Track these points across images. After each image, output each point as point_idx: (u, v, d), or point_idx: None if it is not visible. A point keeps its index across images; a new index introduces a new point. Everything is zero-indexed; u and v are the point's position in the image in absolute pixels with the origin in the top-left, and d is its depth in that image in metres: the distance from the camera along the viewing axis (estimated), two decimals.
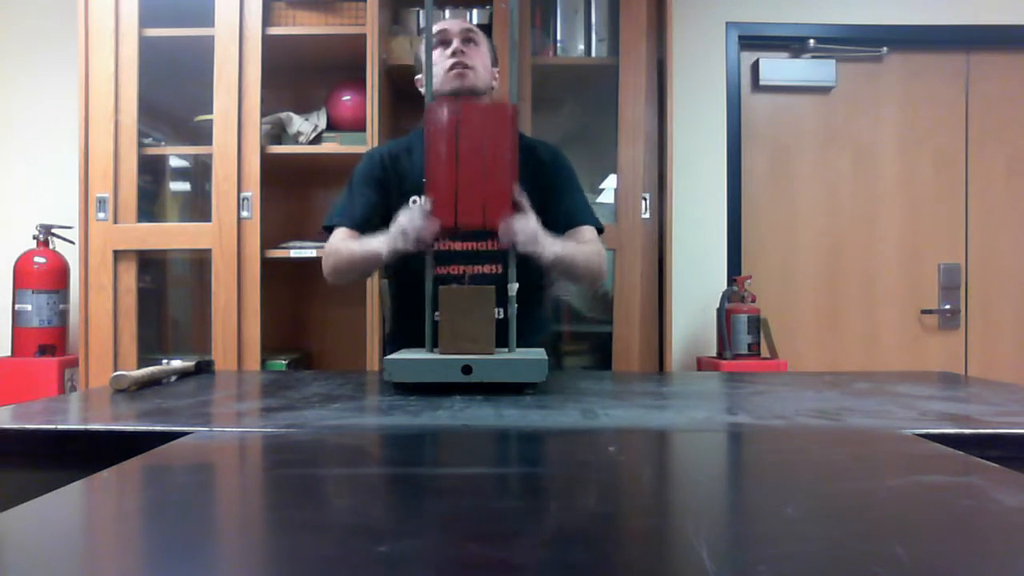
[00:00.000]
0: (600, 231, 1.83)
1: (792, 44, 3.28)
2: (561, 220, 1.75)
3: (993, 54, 3.32)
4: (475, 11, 2.88)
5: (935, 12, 3.24)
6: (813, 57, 3.28)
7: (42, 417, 1.10)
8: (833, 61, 3.27)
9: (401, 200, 1.73)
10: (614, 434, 0.99)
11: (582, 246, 1.72)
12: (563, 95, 3.03)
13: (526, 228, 1.46)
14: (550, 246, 1.53)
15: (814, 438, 0.98)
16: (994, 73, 3.32)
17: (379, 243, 1.57)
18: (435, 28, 1.78)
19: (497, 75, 1.85)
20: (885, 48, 3.28)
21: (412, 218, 1.46)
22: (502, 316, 1.54)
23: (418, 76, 1.84)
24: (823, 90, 3.32)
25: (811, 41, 3.24)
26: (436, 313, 1.38)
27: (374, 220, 1.75)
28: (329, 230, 1.79)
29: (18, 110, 3.15)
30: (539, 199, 1.68)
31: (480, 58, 1.76)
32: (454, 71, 1.72)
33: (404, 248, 1.48)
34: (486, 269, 1.74)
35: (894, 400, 1.26)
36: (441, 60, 1.73)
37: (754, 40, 3.27)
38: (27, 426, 1.02)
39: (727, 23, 3.23)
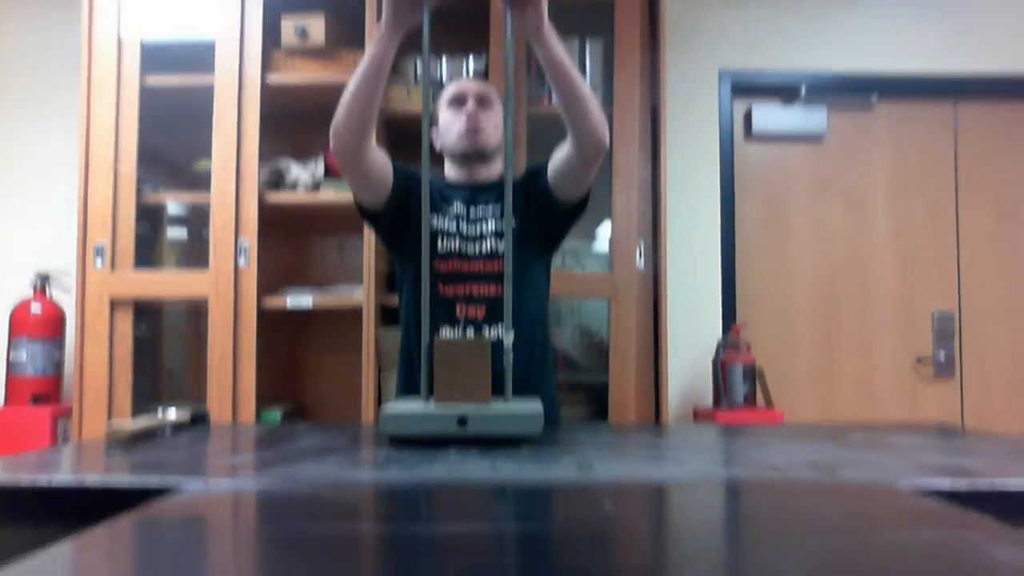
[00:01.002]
0: None
1: (784, 91, 3.33)
2: (550, 163, 1.80)
3: (980, 103, 3.37)
4: (471, 59, 2.92)
5: (923, 62, 3.30)
6: (805, 104, 3.33)
7: (35, 470, 1.09)
8: (825, 109, 3.32)
9: (408, 213, 1.79)
10: (610, 488, 0.99)
11: None
12: (557, 141, 3.06)
13: None
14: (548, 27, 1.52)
15: (809, 491, 0.98)
16: (982, 122, 3.37)
17: (377, 36, 1.55)
18: (451, 88, 1.86)
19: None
20: (875, 96, 3.34)
21: None
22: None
23: (433, 127, 1.90)
24: (815, 138, 3.36)
25: (802, 89, 3.29)
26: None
27: (398, 184, 1.78)
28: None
29: (18, 157, 3.18)
30: (541, 212, 1.81)
31: (492, 120, 1.84)
32: (467, 132, 1.80)
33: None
34: (491, 290, 1.76)
35: (890, 452, 1.26)
36: (455, 120, 1.82)
37: (747, 88, 3.32)
38: (20, 479, 1.02)
39: (720, 71, 3.29)
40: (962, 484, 0.99)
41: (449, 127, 1.84)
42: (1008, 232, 3.36)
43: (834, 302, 3.33)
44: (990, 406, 3.31)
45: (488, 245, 1.78)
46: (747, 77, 3.30)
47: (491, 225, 1.80)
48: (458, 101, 1.83)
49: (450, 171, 1.91)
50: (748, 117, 3.34)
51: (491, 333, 1.72)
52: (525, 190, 1.83)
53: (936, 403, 3.30)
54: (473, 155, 1.83)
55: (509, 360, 1.41)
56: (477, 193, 1.84)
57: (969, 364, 3.33)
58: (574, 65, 1.60)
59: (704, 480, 1.05)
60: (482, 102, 1.83)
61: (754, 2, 3.31)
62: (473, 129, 1.80)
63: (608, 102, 2.77)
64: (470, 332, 1.73)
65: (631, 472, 1.09)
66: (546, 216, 1.83)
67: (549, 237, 1.89)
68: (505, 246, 1.48)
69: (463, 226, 1.80)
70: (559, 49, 1.55)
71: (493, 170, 1.89)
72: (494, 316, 1.74)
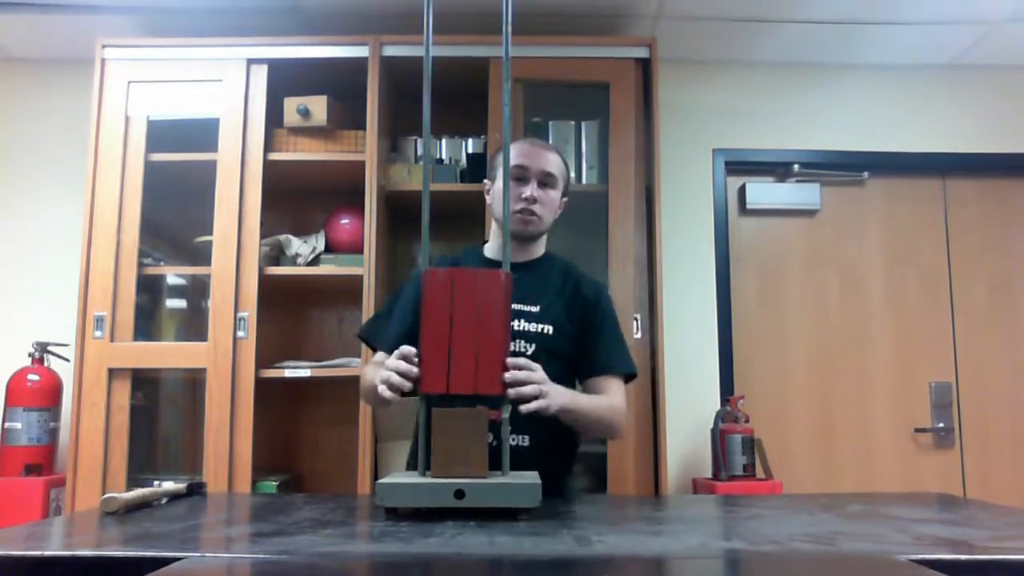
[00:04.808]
0: (632, 376, 1.88)
1: (777, 169, 3.40)
2: (592, 364, 1.81)
3: (966, 180, 3.44)
4: (471, 140, 3.00)
5: (912, 140, 3.38)
6: (798, 181, 3.39)
7: (26, 542, 1.08)
8: (818, 185, 3.39)
9: None
10: (608, 562, 0.98)
11: (598, 400, 1.75)
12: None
13: (532, 379, 1.46)
14: (557, 397, 1.51)
15: (807, 564, 0.97)
16: (969, 197, 3.44)
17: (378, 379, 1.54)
18: (517, 156, 1.79)
19: (564, 203, 1.89)
20: (866, 173, 3.41)
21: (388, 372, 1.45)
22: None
23: (488, 188, 1.89)
24: (808, 212, 3.42)
25: (795, 166, 3.35)
26: None
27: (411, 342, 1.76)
28: (363, 341, 1.78)
29: (20, 228, 3.22)
30: (576, 332, 1.81)
31: (549, 203, 1.82)
32: (521, 218, 1.78)
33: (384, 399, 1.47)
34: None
35: (888, 523, 1.25)
36: (515, 195, 1.77)
37: (740, 166, 3.39)
38: (11, 552, 1.01)
39: (713, 150, 3.36)
40: (961, 556, 0.98)
41: (504, 199, 1.71)
42: (1001, 303, 3.39)
43: (831, 372, 3.33)
44: (992, 477, 3.28)
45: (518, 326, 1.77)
46: (740, 155, 3.37)
47: (521, 324, 1.77)
48: (519, 179, 1.79)
49: (492, 242, 1.90)
50: (742, 192, 3.40)
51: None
52: (575, 313, 1.81)
53: (936, 473, 3.28)
54: (523, 238, 1.82)
55: (507, 432, 1.41)
56: (513, 271, 1.71)
57: (969, 435, 3.31)
58: (588, 406, 1.69)
59: (703, 554, 1.04)
60: (544, 182, 1.80)
61: (746, 83, 3.41)
62: (528, 216, 1.78)
63: (604, 180, 2.83)
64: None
65: (630, 546, 1.09)
66: (578, 363, 1.84)
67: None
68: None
69: None
70: (564, 405, 1.56)
71: (534, 251, 1.88)
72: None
